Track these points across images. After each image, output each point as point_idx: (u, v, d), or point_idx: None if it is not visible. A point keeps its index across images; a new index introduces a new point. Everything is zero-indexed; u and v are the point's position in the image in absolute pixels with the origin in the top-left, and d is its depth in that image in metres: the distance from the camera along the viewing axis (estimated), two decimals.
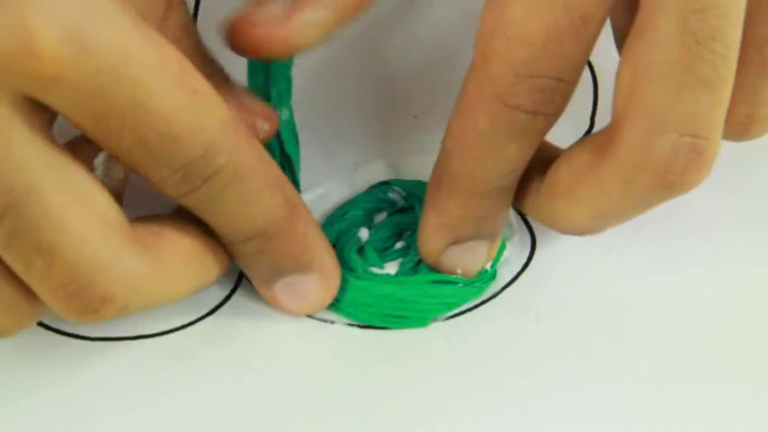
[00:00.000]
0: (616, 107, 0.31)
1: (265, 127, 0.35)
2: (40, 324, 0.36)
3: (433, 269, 0.36)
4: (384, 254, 0.37)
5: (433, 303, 0.36)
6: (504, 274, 0.38)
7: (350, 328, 0.36)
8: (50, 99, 0.29)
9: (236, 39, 0.34)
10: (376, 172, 0.40)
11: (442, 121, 0.40)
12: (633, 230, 0.38)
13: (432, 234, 0.35)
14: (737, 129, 0.34)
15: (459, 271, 0.36)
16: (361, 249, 0.37)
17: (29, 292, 0.31)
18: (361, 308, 0.36)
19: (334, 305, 0.36)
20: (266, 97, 0.36)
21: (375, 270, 0.37)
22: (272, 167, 0.33)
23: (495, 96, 0.31)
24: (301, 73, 0.40)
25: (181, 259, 0.33)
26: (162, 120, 0.30)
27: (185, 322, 0.36)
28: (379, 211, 0.38)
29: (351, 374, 0.35)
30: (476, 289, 0.37)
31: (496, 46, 0.31)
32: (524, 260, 0.38)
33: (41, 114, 0.30)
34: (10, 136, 0.29)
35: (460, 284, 0.36)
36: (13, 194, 0.29)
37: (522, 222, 0.39)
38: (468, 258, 0.36)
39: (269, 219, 0.33)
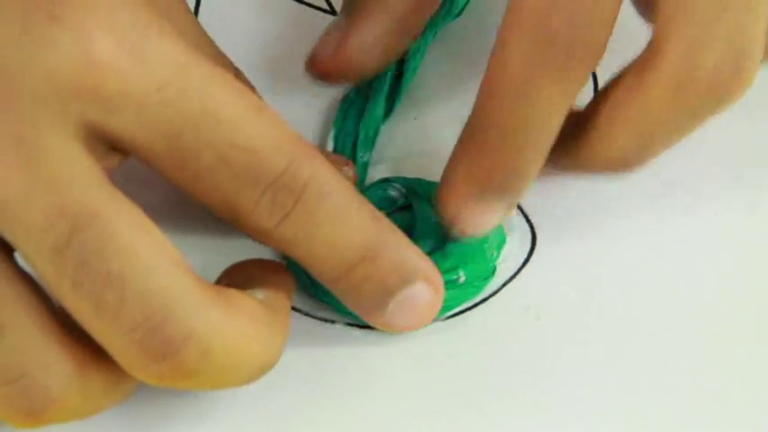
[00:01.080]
0: (657, 26, 0.32)
1: (349, 174, 0.37)
2: None
3: (446, 228, 0.35)
4: None
5: None
6: (504, 271, 0.37)
7: (350, 328, 0.36)
8: (117, 122, 0.28)
9: (310, 71, 0.37)
10: (375, 174, 0.40)
11: (442, 123, 0.40)
12: (634, 229, 0.38)
13: (455, 185, 0.34)
14: None
15: (469, 230, 0.35)
16: None
17: (84, 358, 0.29)
18: None
19: (334, 305, 0.36)
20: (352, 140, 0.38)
21: None
22: (347, 183, 0.32)
23: (531, 28, 0.31)
24: (300, 76, 0.40)
25: (250, 315, 0.30)
26: (239, 131, 0.29)
27: None
28: (379, 210, 0.38)
29: (351, 374, 0.35)
30: (475, 288, 0.37)
31: None
32: (524, 257, 0.38)
33: (103, 159, 0.29)
34: (72, 164, 0.28)
35: (461, 280, 0.36)
36: (78, 221, 0.28)
37: (522, 219, 0.39)
38: (484, 218, 0.34)
39: (366, 235, 0.32)
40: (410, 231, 0.38)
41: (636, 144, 0.33)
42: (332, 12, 0.43)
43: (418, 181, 0.38)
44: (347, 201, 0.31)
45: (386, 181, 0.38)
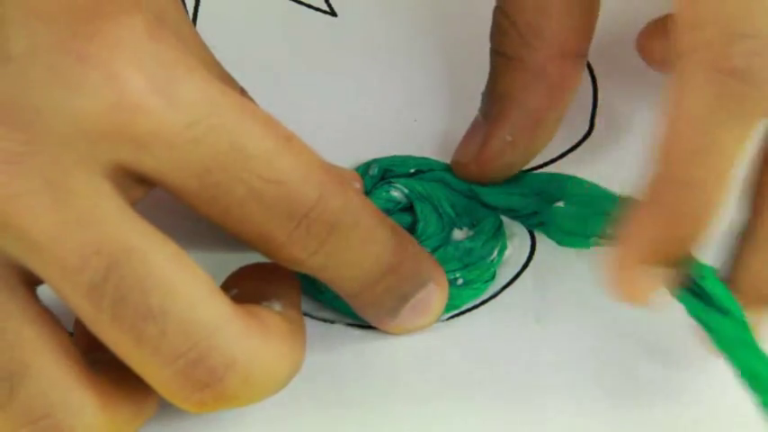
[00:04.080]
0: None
1: (359, 188, 0.37)
2: None
3: (617, 293, 0.33)
4: None
5: None
6: (504, 275, 0.37)
7: (350, 328, 0.36)
8: (148, 161, 0.29)
9: (456, 173, 0.38)
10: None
11: (442, 125, 0.40)
12: None
13: (628, 253, 0.32)
14: None
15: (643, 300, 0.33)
16: None
17: (106, 399, 0.30)
18: None
19: (333, 303, 0.36)
20: None
21: None
22: (370, 202, 0.33)
23: (708, 65, 0.30)
24: (302, 73, 0.40)
25: (279, 333, 0.31)
26: (269, 165, 0.30)
27: None
28: (383, 211, 0.38)
29: (351, 374, 0.35)
30: (475, 290, 0.37)
31: (702, 11, 0.30)
32: (524, 260, 0.38)
33: (131, 191, 0.29)
34: (103, 202, 0.28)
35: (460, 282, 0.36)
36: (114, 257, 0.28)
37: (521, 223, 0.39)
38: (645, 287, 0.32)
39: (390, 251, 0.32)
40: (411, 231, 0.38)
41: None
42: (332, 13, 0.43)
43: (419, 181, 0.38)
44: (374, 222, 0.32)
45: (388, 182, 0.38)
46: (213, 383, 0.29)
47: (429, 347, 0.35)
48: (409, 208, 0.38)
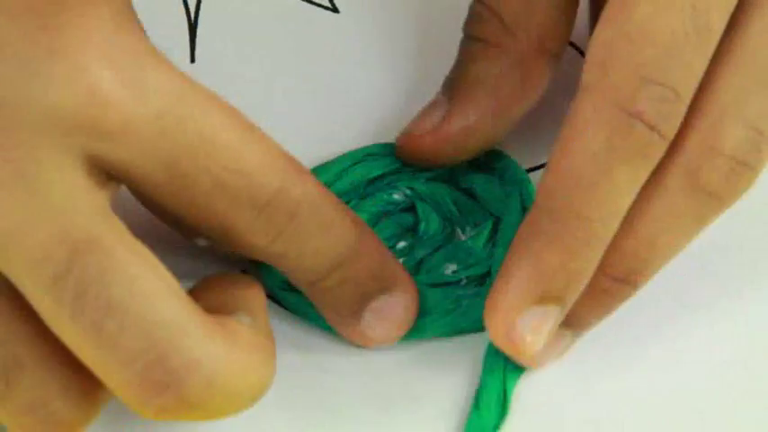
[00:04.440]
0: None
1: None
2: None
3: (500, 344, 0.33)
4: None
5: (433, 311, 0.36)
6: None
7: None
8: (117, 152, 0.29)
9: (401, 150, 0.37)
10: None
11: None
12: None
13: (515, 290, 0.32)
14: None
15: (527, 343, 0.32)
16: None
17: (93, 380, 0.29)
18: None
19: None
20: None
21: None
22: (331, 193, 0.33)
23: (615, 105, 0.30)
24: (301, 74, 0.40)
25: (247, 344, 0.30)
26: (234, 155, 0.30)
27: None
28: (384, 213, 0.38)
29: (351, 375, 0.35)
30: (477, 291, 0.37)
31: (619, 51, 0.31)
32: None
33: (102, 188, 0.29)
34: (73, 194, 0.28)
35: (462, 282, 0.36)
36: (78, 247, 0.28)
37: None
38: (540, 328, 0.32)
39: (347, 241, 0.33)
40: (413, 231, 0.38)
41: (648, 247, 0.32)
42: (333, 9, 0.43)
43: (421, 181, 0.38)
44: (334, 212, 0.32)
45: (389, 185, 0.38)
46: (174, 386, 0.28)
47: (428, 348, 0.36)
48: (410, 208, 0.38)
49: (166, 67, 0.30)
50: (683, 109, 0.31)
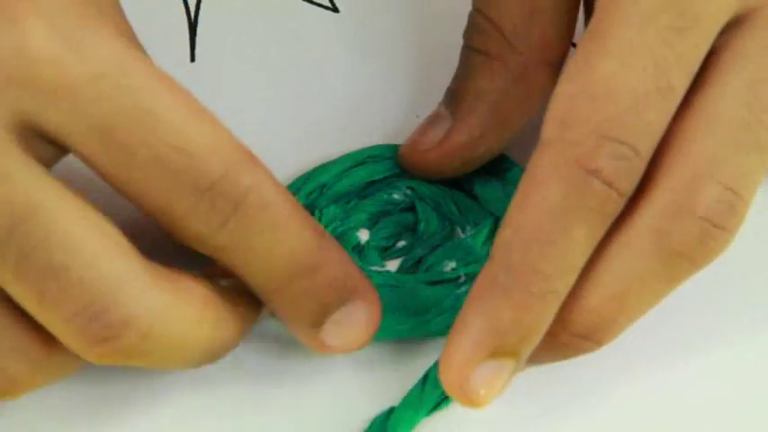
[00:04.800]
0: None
1: None
2: None
3: (454, 396, 0.31)
4: (385, 253, 0.38)
5: (432, 308, 0.36)
6: None
7: None
8: (51, 112, 0.28)
9: (404, 162, 0.37)
10: None
11: None
12: None
13: (469, 344, 0.31)
14: None
15: (481, 397, 0.31)
16: (360, 248, 0.37)
17: (46, 337, 0.29)
18: None
19: None
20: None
21: (376, 268, 0.37)
22: (290, 194, 0.31)
23: (573, 161, 0.30)
24: (302, 73, 0.40)
25: (199, 300, 0.30)
26: (175, 131, 0.29)
27: None
28: (384, 213, 0.38)
29: (351, 375, 0.35)
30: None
31: (579, 107, 0.30)
32: None
33: (39, 153, 0.29)
34: (7, 157, 0.28)
35: (461, 279, 0.36)
36: (17, 214, 0.28)
37: None
38: (494, 382, 0.31)
39: (306, 248, 0.31)
40: (412, 231, 0.38)
41: (609, 299, 0.31)
42: (333, 9, 0.43)
43: (422, 182, 0.38)
44: (288, 212, 0.31)
45: (389, 185, 0.38)
46: (111, 338, 0.29)
47: (428, 348, 0.36)
48: (410, 208, 0.38)
49: (109, 34, 0.29)
50: (642, 166, 0.30)
